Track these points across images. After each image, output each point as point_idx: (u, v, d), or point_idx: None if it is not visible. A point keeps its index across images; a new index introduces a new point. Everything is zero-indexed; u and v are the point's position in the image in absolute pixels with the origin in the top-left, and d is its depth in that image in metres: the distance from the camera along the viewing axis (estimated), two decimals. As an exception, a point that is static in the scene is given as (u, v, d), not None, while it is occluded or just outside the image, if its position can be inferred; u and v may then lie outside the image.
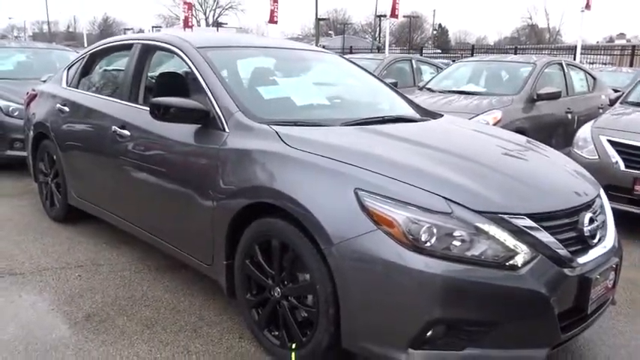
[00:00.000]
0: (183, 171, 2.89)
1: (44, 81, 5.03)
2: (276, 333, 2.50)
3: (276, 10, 26.60)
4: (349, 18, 65.80)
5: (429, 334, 2.03)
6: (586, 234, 2.29)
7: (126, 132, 3.29)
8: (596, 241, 2.34)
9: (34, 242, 3.96)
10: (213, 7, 65.91)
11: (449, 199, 2.08)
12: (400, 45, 47.87)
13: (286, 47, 3.82)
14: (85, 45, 24.71)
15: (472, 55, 21.78)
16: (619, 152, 4.37)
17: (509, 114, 5.76)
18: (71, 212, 4.25)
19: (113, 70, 4.02)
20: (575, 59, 17.74)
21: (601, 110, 7.38)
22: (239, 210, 2.52)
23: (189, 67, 3.10)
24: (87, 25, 37.20)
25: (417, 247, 2.01)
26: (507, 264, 2.04)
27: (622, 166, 4.31)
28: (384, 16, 43.15)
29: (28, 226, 4.32)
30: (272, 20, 26.56)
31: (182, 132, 2.90)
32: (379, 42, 44.47)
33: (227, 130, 2.72)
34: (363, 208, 2.10)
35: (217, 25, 56.19)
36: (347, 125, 2.82)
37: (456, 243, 2.03)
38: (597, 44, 31.71)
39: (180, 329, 2.77)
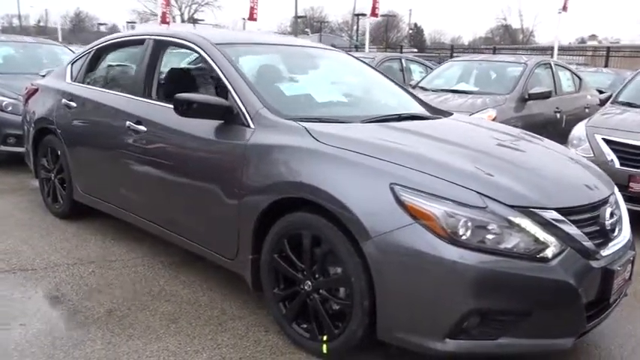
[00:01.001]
0: (206, 166, 2.90)
1: (43, 75, 4.96)
2: (305, 326, 2.55)
3: (255, 7, 26.50)
4: (326, 16, 65.93)
5: (465, 324, 2.10)
6: (607, 227, 2.39)
7: (142, 127, 3.29)
8: (615, 234, 2.45)
9: (40, 239, 3.92)
10: (189, 3, 65.45)
11: (482, 194, 2.16)
12: (377, 44, 48.14)
13: (297, 45, 3.86)
14: (60, 40, 24.29)
15: (451, 56, 22.10)
16: (614, 150, 4.53)
17: (503, 113, 5.89)
18: (75, 208, 4.22)
19: (123, 65, 4.00)
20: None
21: (587, 110, 7.61)
22: (268, 205, 2.55)
23: (209, 64, 3.12)
24: (59, 20, 36.41)
25: (454, 239, 2.08)
26: (538, 256, 2.12)
27: (617, 163, 4.47)
28: (363, 14, 43.43)
29: (30, 222, 4.27)
30: (252, 17, 26.43)
31: (203, 128, 2.92)
32: (357, 40, 44.66)
33: (252, 126, 2.74)
34: (400, 202, 2.17)
35: (194, 21, 55.67)
36: (367, 122, 2.88)
37: (490, 236, 2.11)
38: (569, 45, 32.45)
39: (205, 323, 2.80)
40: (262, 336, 2.70)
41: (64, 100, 4.07)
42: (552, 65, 7.14)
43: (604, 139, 4.65)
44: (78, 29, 57.90)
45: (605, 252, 2.32)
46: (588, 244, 2.24)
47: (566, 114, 6.89)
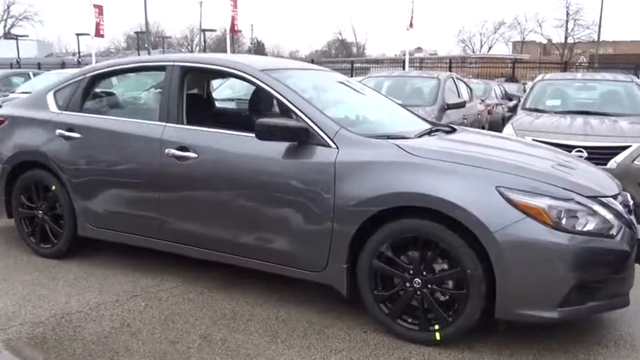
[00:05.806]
0: (285, 186, 3.04)
1: (-1, 106, 4.53)
2: (411, 320, 2.86)
3: (102, 22, 25.20)
4: (163, 31, 64.29)
5: (572, 294, 2.61)
6: (631, 207, 3.08)
7: (190, 154, 3.31)
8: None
9: (52, 281, 3.64)
10: (4, 17, 59.52)
11: (567, 189, 2.69)
12: (220, 58, 48.31)
13: (316, 69, 4.10)
14: None
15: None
16: (544, 149, 5.45)
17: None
18: (75, 245, 3.98)
19: (138, 92, 3.89)
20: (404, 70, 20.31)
21: (479, 115, 8.78)
22: (372, 215, 2.82)
23: (263, 89, 3.28)
24: None
25: (558, 227, 2.58)
26: (609, 233, 2.71)
27: (548, 159, 5.39)
28: (211, 30, 43.38)
29: (21, 266, 3.91)
30: (98, 34, 25.10)
31: (274, 150, 3.08)
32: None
33: (334, 145, 2.98)
34: (509, 201, 2.61)
35: (15, 38, 50.61)
36: (420, 137, 3.29)
37: (579, 221, 2.64)
38: (396, 57, 35.91)
39: (304, 335, 2.95)
40: (366, 336, 2.94)
41: (58, 131, 3.82)
42: (454, 79, 8.15)
43: (534, 140, 5.55)
44: None
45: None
46: (630, 219, 2.89)
47: (469, 120, 7.92)
